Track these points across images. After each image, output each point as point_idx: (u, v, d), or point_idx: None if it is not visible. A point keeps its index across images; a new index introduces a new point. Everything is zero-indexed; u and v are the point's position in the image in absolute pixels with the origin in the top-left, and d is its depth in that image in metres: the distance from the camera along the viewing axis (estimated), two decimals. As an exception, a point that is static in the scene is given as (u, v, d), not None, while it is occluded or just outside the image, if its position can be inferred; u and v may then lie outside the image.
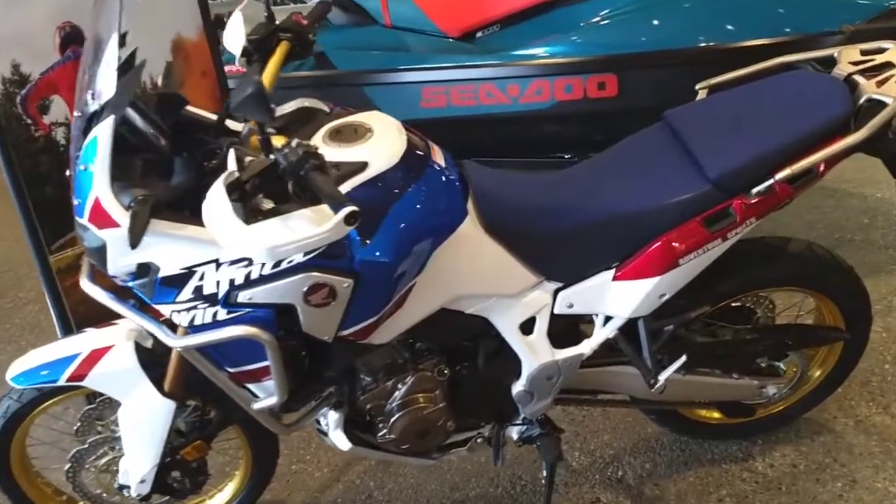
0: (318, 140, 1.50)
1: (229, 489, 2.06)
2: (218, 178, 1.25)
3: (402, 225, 1.42)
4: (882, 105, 1.56)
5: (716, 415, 2.12)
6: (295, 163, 1.23)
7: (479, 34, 3.30)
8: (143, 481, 1.77)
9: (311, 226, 1.20)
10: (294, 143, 1.25)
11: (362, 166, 1.43)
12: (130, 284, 1.43)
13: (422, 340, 1.70)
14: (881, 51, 1.69)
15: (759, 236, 1.89)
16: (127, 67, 1.52)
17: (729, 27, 2.70)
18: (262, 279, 1.38)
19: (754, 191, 1.58)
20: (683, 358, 1.77)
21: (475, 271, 1.57)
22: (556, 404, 1.86)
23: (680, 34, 2.75)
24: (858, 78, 1.64)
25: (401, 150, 1.47)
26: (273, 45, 1.65)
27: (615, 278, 1.65)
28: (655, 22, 2.79)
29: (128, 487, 1.80)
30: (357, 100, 3.10)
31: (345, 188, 1.41)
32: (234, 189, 1.26)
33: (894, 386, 2.32)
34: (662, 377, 1.77)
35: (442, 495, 2.15)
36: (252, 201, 1.29)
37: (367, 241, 1.40)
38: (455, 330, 1.70)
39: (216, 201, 1.20)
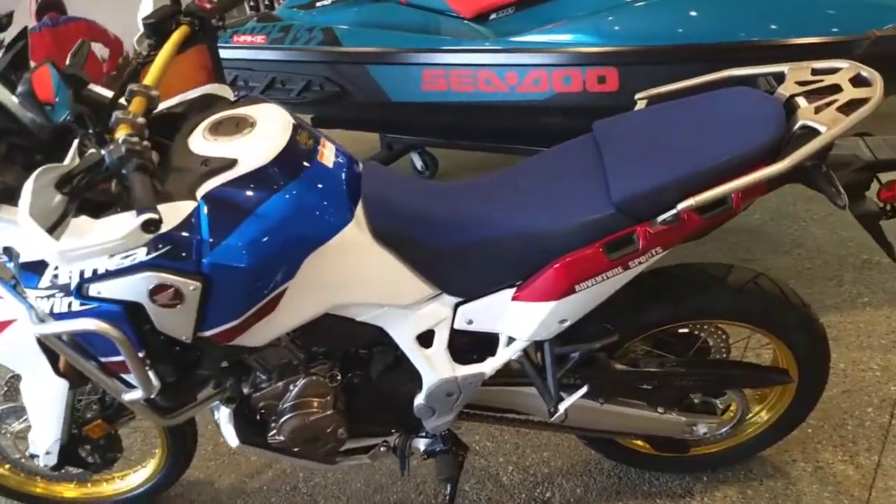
0: (198, 131, 1.45)
1: (150, 466, 2.07)
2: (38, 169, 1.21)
3: (264, 229, 1.35)
4: (815, 133, 1.38)
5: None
6: (117, 161, 1.18)
7: (492, 16, 3.18)
8: (48, 453, 1.79)
9: (115, 231, 1.16)
10: (122, 139, 1.19)
11: (231, 163, 1.38)
12: (8, 265, 1.43)
13: (312, 345, 1.64)
14: (833, 71, 1.50)
15: (703, 262, 1.73)
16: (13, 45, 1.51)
17: (742, 25, 2.49)
18: (109, 274, 1.35)
19: (659, 219, 1.44)
20: (584, 389, 1.65)
21: (362, 280, 1.49)
22: (462, 420, 1.78)
23: (690, 30, 2.56)
24: (800, 100, 1.47)
25: (277, 149, 1.40)
26: (171, 29, 1.59)
27: (514, 298, 1.55)
28: (665, 15, 2.60)
29: (37, 456, 1.82)
30: (362, 79, 3.04)
31: (208, 186, 1.36)
32: (65, 182, 1.23)
33: (871, 433, 2.12)
34: (563, 406, 1.66)
35: (364, 496, 2.11)
36: (83, 196, 1.25)
37: (220, 244, 1.34)
38: (347, 337, 1.63)
39: (23, 194, 1.17)
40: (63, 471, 1.90)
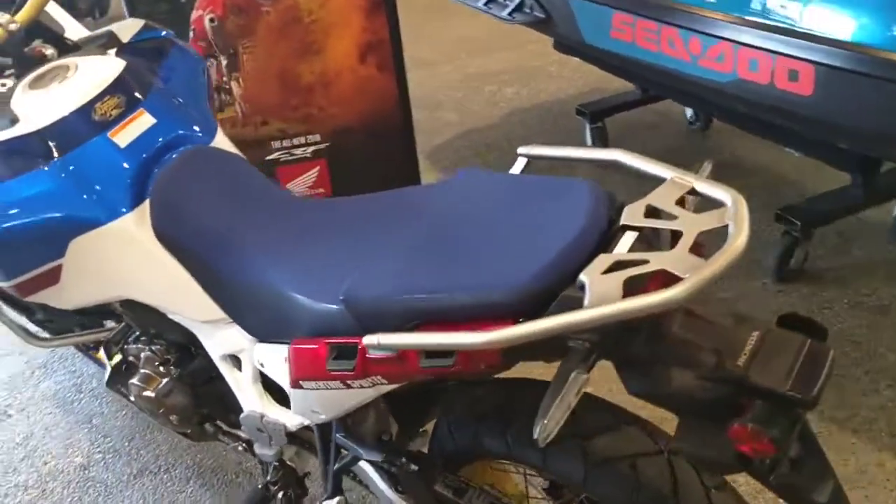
0: (26, 80, 1.39)
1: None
2: None
3: (11, 201, 1.28)
4: (578, 303, 0.83)
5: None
6: None
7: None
8: None
9: None
10: None
11: (12, 121, 1.31)
12: None
13: (138, 323, 1.55)
14: (712, 205, 0.85)
15: (609, 403, 1.19)
16: None
17: None
18: None
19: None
20: (336, 500, 1.32)
21: (145, 280, 1.34)
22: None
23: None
24: (624, 238, 0.89)
25: (58, 114, 1.29)
26: None
27: (286, 360, 1.26)
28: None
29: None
30: (562, 10, 2.58)
31: None
32: None
33: None
34: (328, 505, 1.35)
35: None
36: None
37: None
38: (167, 328, 1.49)
39: None
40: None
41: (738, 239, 0.79)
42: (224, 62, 2.47)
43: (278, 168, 2.63)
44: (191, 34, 2.39)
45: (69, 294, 1.40)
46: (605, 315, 0.79)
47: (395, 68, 2.59)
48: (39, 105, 1.30)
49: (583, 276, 0.85)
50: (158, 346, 1.55)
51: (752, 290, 2.33)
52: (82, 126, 1.29)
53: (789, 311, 0.91)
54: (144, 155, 1.31)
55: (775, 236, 2.37)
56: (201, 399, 1.57)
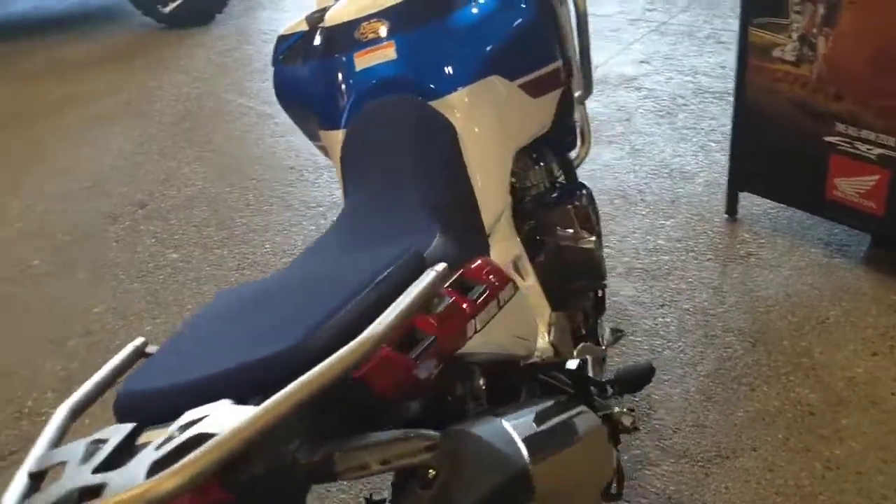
0: None
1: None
2: None
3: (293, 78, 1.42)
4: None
5: None
6: None
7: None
8: None
9: None
10: None
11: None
12: None
13: None
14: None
15: None
16: None
17: None
18: None
19: None
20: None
21: None
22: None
23: None
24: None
25: (339, 20, 1.34)
26: None
27: None
28: None
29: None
30: None
31: None
32: None
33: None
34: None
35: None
36: None
37: None
38: None
39: None
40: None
41: None
42: (821, 11, 2.00)
43: (833, 155, 2.11)
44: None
45: None
46: None
47: None
48: (338, 8, 1.35)
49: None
50: None
51: None
52: (344, 39, 1.31)
53: None
54: (367, 85, 1.29)
55: None
56: None
